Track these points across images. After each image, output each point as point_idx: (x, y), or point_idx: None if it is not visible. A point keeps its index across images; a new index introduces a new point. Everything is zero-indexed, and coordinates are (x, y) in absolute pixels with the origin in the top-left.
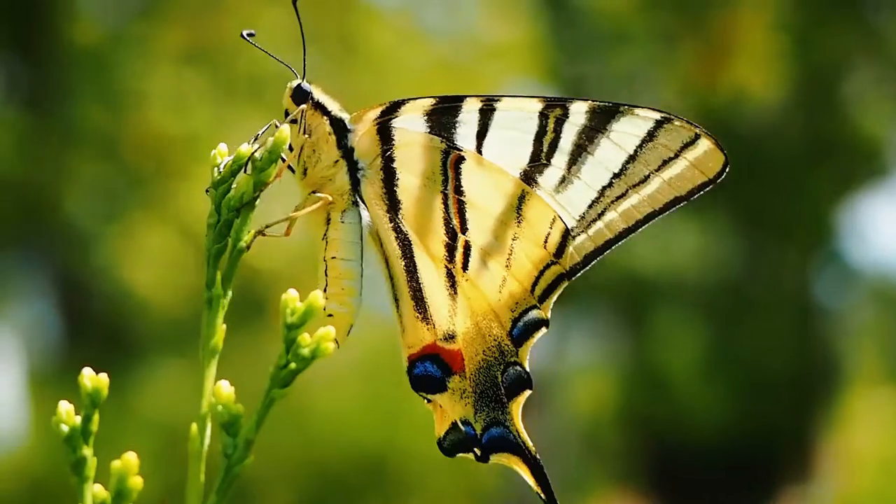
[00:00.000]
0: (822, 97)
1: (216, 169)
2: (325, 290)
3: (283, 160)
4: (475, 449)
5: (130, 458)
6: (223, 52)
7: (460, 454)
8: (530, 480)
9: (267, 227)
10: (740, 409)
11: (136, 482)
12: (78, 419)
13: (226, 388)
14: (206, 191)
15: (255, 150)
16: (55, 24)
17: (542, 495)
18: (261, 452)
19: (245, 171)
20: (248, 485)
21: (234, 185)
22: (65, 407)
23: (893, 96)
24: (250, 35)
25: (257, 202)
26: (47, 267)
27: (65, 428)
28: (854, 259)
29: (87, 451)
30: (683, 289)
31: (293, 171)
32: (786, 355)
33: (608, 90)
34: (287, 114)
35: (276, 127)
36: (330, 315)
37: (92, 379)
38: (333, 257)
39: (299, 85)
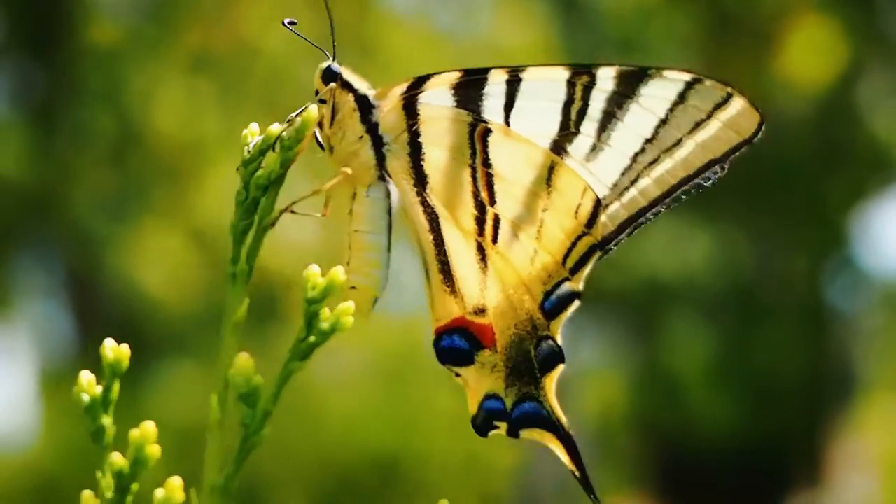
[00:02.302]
0: (836, 102)
1: (246, 148)
2: (348, 264)
3: (316, 138)
4: (502, 423)
5: (148, 427)
6: (236, 57)
7: (494, 432)
8: (564, 458)
9: (294, 203)
10: (751, 414)
11: (154, 450)
12: (99, 389)
13: (245, 360)
14: (237, 169)
15: (284, 129)
16: (68, 28)
17: (577, 473)
18: (275, 454)
19: (273, 150)
20: (262, 486)
21: (262, 164)
22: (86, 377)
23: None
24: (291, 24)
25: (284, 180)
26: (58, 267)
27: (86, 397)
28: (867, 265)
29: (108, 420)
30: (695, 293)
31: (322, 148)
32: (797, 361)
33: None
34: (317, 94)
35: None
36: (353, 288)
37: (113, 349)
38: (357, 230)
39: (329, 66)
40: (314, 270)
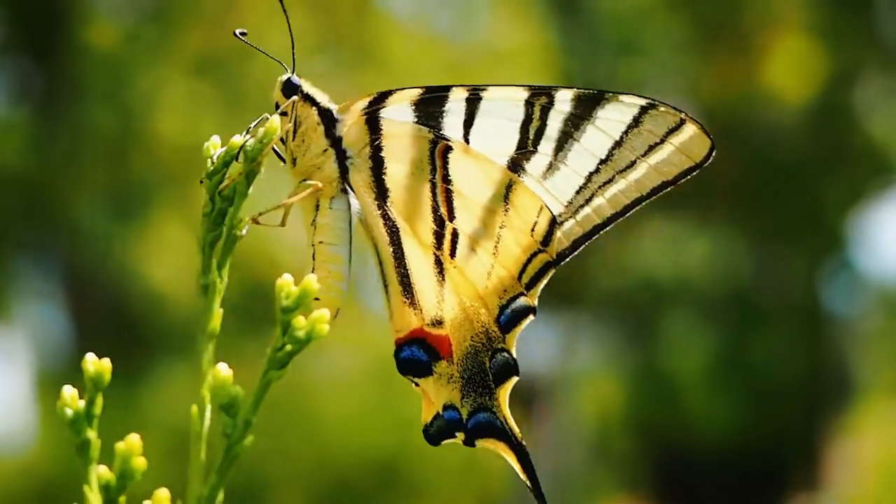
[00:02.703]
0: (833, 105)
1: (209, 160)
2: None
3: (275, 150)
4: (460, 433)
5: (134, 440)
6: (235, 58)
7: (445, 441)
8: (516, 466)
9: (260, 214)
10: (749, 416)
11: (140, 462)
12: (82, 403)
13: (224, 371)
14: (200, 181)
15: (246, 141)
16: (69, 28)
17: (528, 482)
18: (272, 456)
19: (237, 161)
20: (261, 487)
21: (226, 176)
22: (69, 392)
23: None
24: (242, 34)
25: (249, 191)
26: (56, 268)
27: (69, 412)
28: (864, 267)
29: (92, 434)
30: (693, 295)
31: (283, 161)
32: (795, 363)
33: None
34: (277, 106)
35: (268, 119)
36: (317, 299)
37: (94, 363)
38: (321, 242)
39: (289, 78)
40: (287, 279)
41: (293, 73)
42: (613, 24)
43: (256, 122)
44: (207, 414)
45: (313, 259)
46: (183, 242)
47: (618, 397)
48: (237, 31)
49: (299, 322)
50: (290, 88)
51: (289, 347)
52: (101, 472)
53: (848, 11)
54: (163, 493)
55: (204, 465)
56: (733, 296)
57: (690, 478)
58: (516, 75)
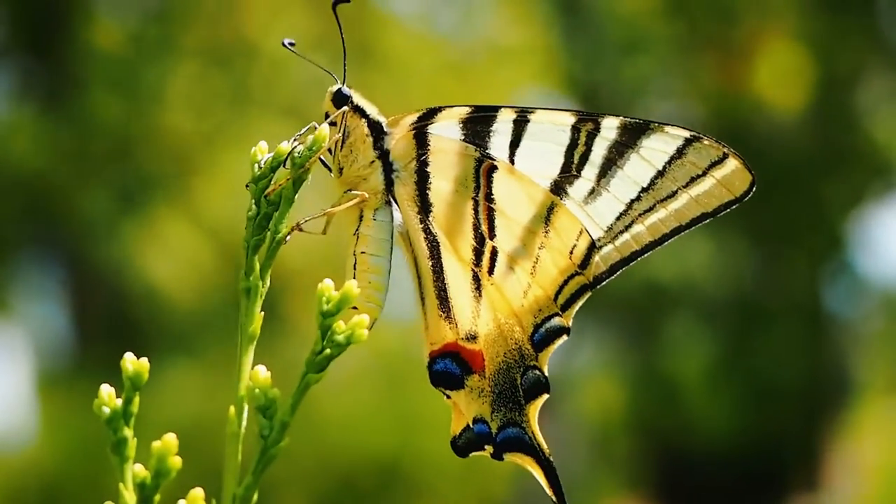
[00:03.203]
0: (835, 108)
1: (256, 165)
2: None
3: (321, 158)
4: (488, 447)
5: (170, 439)
6: (241, 53)
7: (473, 453)
8: (543, 482)
9: (304, 221)
10: (750, 417)
11: (176, 462)
12: (119, 402)
13: (262, 373)
14: (246, 186)
15: (295, 148)
16: (73, 23)
17: (554, 497)
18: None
19: (284, 167)
20: (263, 488)
21: (273, 181)
22: (106, 390)
23: None
24: (291, 45)
25: (296, 197)
26: (58, 266)
27: (106, 410)
28: (865, 270)
29: (128, 433)
30: (695, 297)
31: (329, 169)
32: (796, 365)
33: (622, 97)
34: (327, 115)
35: (315, 128)
36: (354, 308)
37: (133, 363)
38: (363, 252)
39: (340, 89)
40: (328, 284)
41: (343, 82)
42: (615, 26)
43: (304, 129)
44: (245, 415)
45: (354, 269)
46: (185, 241)
47: (619, 398)
48: (286, 41)
49: (340, 327)
50: (340, 99)
51: (328, 351)
52: (136, 471)
53: (850, 14)
54: (198, 493)
55: (238, 466)
56: (735, 298)
57: (691, 479)
58: (518, 75)
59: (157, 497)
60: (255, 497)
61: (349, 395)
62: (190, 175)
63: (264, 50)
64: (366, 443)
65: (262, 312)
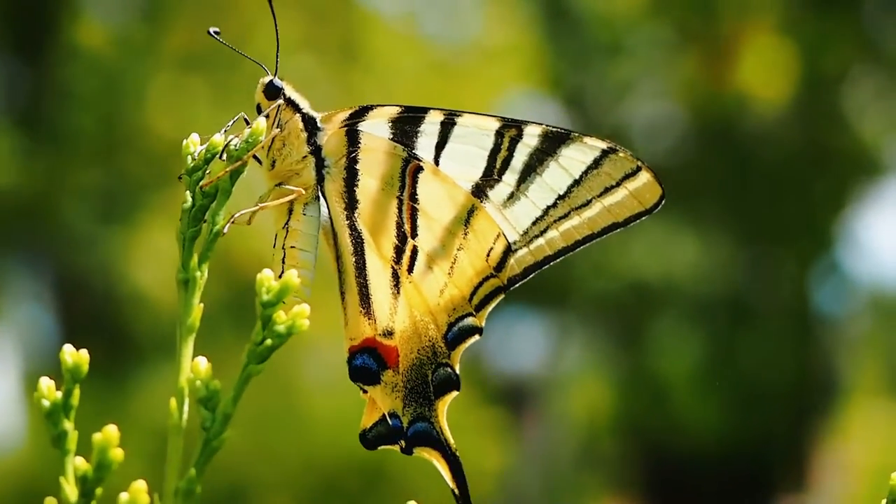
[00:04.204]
0: (822, 106)
1: (189, 157)
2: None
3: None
4: (401, 441)
5: (111, 431)
6: (223, 59)
7: (383, 446)
8: (447, 476)
9: (239, 213)
10: (737, 418)
11: (117, 454)
12: (59, 395)
13: (203, 365)
14: (179, 177)
15: (231, 140)
16: (55, 29)
17: (456, 491)
18: (260, 458)
19: (221, 159)
20: (247, 489)
21: (207, 173)
22: (46, 383)
23: (894, 106)
24: (216, 33)
25: (232, 189)
26: (45, 269)
27: (46, 403)
28: (853, 269)
29: (69, 426)
30: (681, 298)
31: (261, 162)
32: (784, 365)
33: (607, 97)
34: (259, 108)
35: (245, 120)
36: (284, 302)
37: (73, 355)
38: (293, 247)
39: (272, 81)
40: (268, 274)
41: (276, 75)
42: (600, 26)
43: (233, 121)
44: (185, 407)
45: (283, 262)
46: (169, 245)
47: (606, 399)
48: (211, 30)
49: (280, 317)
50: (273, 91)
51: (269, 342)
52: (77, 464)
53: (836, 12)
54: (140, 485)
55: (181, 459)
56: (722, 298)
57: (679, 480)
58: (503, 76)
59: (100, 490)
60: (199, 490)
61: (333, 395)
62: (175, 181)
63: (248, 53)
64: (351, 444)
65: (202, 304)
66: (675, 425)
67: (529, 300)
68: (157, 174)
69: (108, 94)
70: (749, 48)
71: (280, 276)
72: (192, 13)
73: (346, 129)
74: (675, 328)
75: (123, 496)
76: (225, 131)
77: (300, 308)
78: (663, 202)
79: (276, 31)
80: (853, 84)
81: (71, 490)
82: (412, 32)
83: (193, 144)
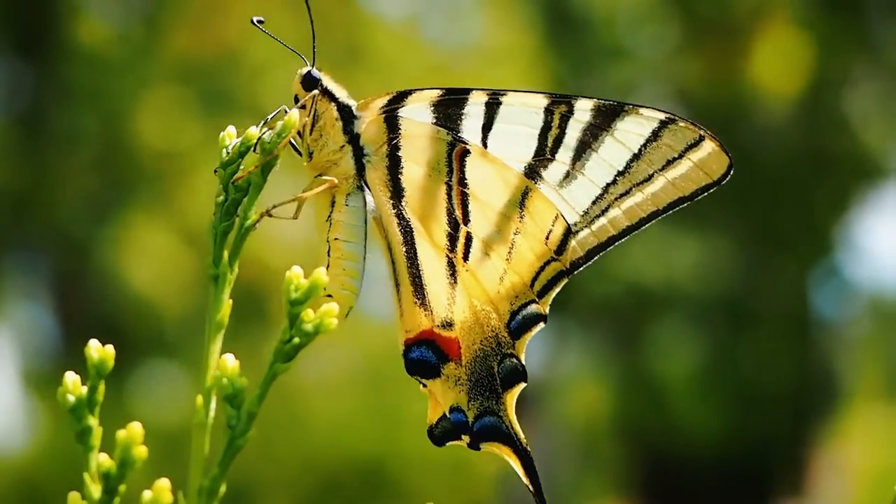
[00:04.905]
0: (823, 111)
1: (224, 150)
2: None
3: (291, 143)
4: (465, 436)
5: (135, 428)
6: (220, 60)
7: (450, 442)
8: (520, 471)
9: (274, 206)
10: (737, 421)
11: (141, 451)
12: (84, 390)
13: (230, 362)
14: (215, 171)
15: (264, 133)
16: (54, 31)
17: (531, 487)
18: (260, 456)
19: (254, 152)
20: (248, 489)
21: (241, 167)
22: (71, 378)
23: (894, 111)
24: (260, 22)
25: (265, 183)
26: (44, 269)
27: (71, 398)
28: (853, 273)
29: (93, 421)
30: (681, 300)
31: (300, 154)
32: (783, 368)
33: (609, 98)
34: (297, 99)
35: (286, 111)
36: (329, 296)
37: (98, 350)
38: (336, 238)
39: (309, 71)
40: (297, 272)
41: (313, 66)
42: (602, 26)
43: (274, 113)
44: (213, 405)
45: (328, 255)
46: (166, 245)
47: (606, 402)
48: (254, 19)
49: (308, 315)
50: (310, 82)
51: (296, 340)
52: (101, 461)
53: (839, 16)
54: (163, 484)
55: (206, 456)
56: (721, 301)
57: (678, 482)
58: (505, 77)
59: (123, 487)
60: (223, 489)
61: (335, 395)
62: (174, 180)
63: (246, 56)
64: (351, 444)
65: (231, 301)
66: (675, 428)
67: None
68: (151, 176)
69: (106, 93)
70: (753, 46)
71: (328, 268)
72: (191, 15)
73: (384, 115)
74: (674, 331)
75: (147, 494)
76: (263, 123)
77: (328, 307)
78: (731, 172)
79: (312, 23)
80: (856, 88)
81: (95, 486)
82: (414, 35)
83: (229, 137)
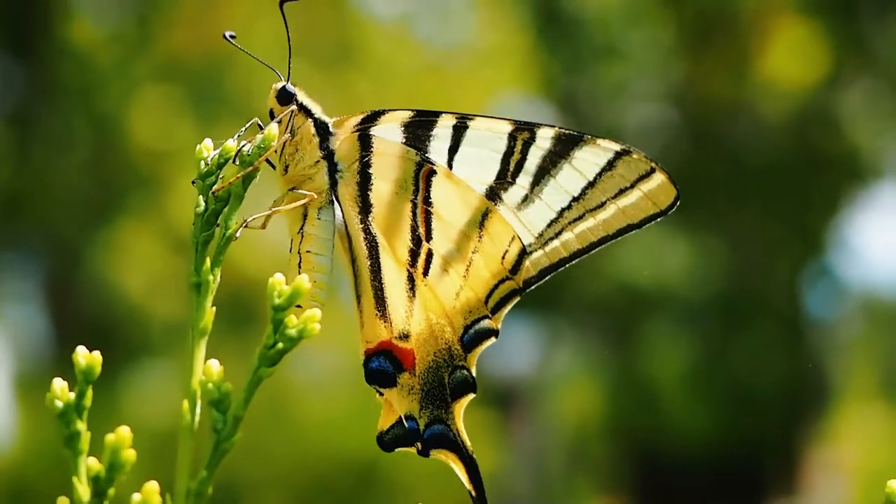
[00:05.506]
0: (816, 112)
1: (202, 161)
2: None
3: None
4: (417, 443)
5: (124, 432)
6: (211, 62)
7: (400, 448)
8: (464, 478)
9: (252, 218)
10: (728, 421)
11: (130, 455)
12: (72, 395)
13: (215, 367)
14: (192, 182)
15: (243, 145)
16: (45, 32)
17: (473, 493)
18: (253, 458)
19: (234, 163)
20: (240, 489)
21: (220, 178)
22: (59, 384)
23: (886, 112)
24: (232, 37)
25: (245, 194)
26: (35, 271)
27: (59, 404)
28: (844, 274)
29: (81, 426)
30: (673, 301)
31: (274, 167)
32: (775, 369)
33: (601, 99)
34: (272, 113)
35: (259, 125)
36: (299, 306)
37: (85, 356)
38: (308, 251)
39: (284, 86)
40: (279, 278)
41: (288, 80)
42: (594, 26)
43: (246, 126)
44: (198, 409)
45: (299, 267)
46: (157, 248)
47: (597, 402)
48: (227, 34)
49: (291, 321)
50: (285, 97)
51: (280, 345)
52: (90, 465)
53: (831, 17)
54: (152, 486)
55: (192, 460)
56: (713, 301)
57: (669, 482)
58: (497, 78)
59: (112, 490)
60: (210, 491)
61: (327, 397)
62: (164, 183)
63: (239, 56)
64: (344, 445)
65: (214, 308)
66: (667, 427)
67: (521, 303)
68: (142, 179)
69: (98, 94)
70: (756, 43)
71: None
72: (184, 15)
73: (358, 133)
74: (667, 331)
75: (136, 497)
76: (238, 136)
77: (311, 312)
78: (678, 203)
79: (289, 38)
80: (848, 89)
81: (84, 490)
82: (406, 35)
83: (206, 149)
